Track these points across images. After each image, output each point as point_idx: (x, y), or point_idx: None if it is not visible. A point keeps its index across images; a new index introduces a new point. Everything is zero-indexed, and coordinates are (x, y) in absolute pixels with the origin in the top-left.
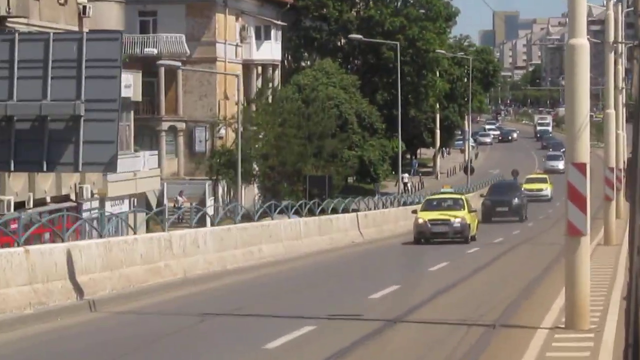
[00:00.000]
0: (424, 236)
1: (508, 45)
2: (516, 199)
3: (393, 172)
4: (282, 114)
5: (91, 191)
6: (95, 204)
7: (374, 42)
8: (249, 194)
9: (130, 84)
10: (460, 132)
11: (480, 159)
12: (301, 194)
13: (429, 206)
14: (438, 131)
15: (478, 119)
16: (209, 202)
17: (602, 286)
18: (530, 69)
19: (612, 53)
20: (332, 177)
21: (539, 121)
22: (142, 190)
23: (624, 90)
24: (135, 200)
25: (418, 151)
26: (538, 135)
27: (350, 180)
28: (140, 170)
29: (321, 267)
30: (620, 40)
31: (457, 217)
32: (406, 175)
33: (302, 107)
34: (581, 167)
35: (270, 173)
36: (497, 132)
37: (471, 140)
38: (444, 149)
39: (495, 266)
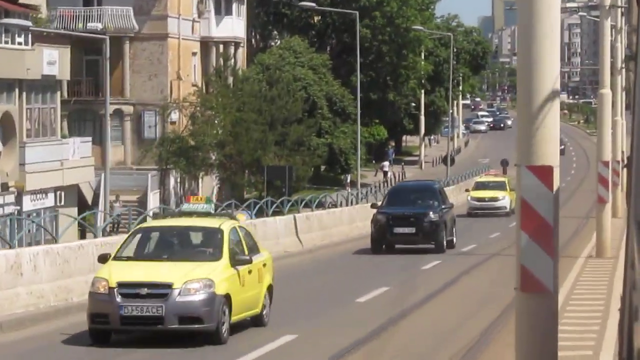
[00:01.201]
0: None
1: (507, 32)
2: (431, 213)
3: (374, 162)
4: (242, 96)
5: (2, 183)
6: (11, 198)
7: (332, 10)
8: (207, 186)
9: (55, 61)
10: (448, 119)
11: (471, 147)
12: (261, 186)
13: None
14: (422, 117)
15: (480, 107)
16: (152, 196)
17: (592, 323)
18: None
19: (608, 20)
20: (298, 167)
21: None
22: (73, 182)
23: (623, 71)
24: (63, 194)
25: (404, 138)
26: None
27: (323, 169)
28: (69, 159)
29: None
30: (619, 4)
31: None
32: (386, 163)
33: (265, 89)
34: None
35: (226, 163)
36: (490, 119)
37: (462, 127)
38: (431, 136)
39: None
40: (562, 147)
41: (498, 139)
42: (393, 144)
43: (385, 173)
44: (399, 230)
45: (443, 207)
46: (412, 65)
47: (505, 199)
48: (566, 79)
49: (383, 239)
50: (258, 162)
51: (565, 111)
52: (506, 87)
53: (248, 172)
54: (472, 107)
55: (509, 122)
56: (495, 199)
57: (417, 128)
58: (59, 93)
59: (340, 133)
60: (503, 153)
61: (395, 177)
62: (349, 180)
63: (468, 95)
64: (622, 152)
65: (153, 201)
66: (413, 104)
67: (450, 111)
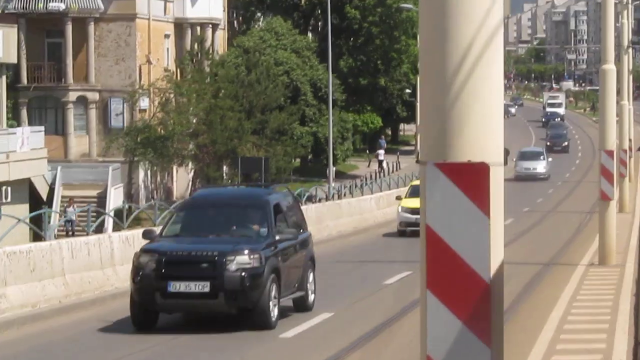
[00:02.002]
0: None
1: (512, 20)
2: (245, 252)
3: (367, 152)
4: (217, 82)
5: None
6: None
7: None
8: (183, 179)
9: None
10: None
11: None
12: (236, 179)
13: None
14: (418, 104)
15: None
16: (114, 192)
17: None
18: (535, 42)
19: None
20: (278, 158)
21: (549, 101)
22: (23, 177)
23: (630, 50)
24: (10, 189)
25: (400, 127)
26: (544, 119)
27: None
28: (17, 151)
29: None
30: None
31: None
32: (382, 151)
33: (243, 74)
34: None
35: (199, 153)
36: None
37: None
38: None
39: None
40: (566, 143)
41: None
42: (389, 132)
43: (380, 162)
44: (178, 287)
45: (276, 239)
46: (404, 48)
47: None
48: (572, 66)
49: (150, 305)
50: (234, 153)
51: (571, 99)
52: (512, 75)
53: (223, 164)
54: None
55: (513, 110)
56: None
57: (413, 116)
58: (4, 78)
59: (325, 121)
60: (506, 141)
61: (389, 168)
62: (332, 174)
63: None
64: (630, 140)
65: (115, 197)
66: (408, 90)
67: None
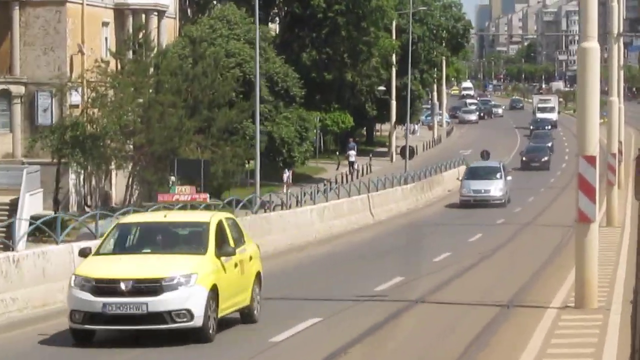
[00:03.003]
0: None
1: (504, 20)
2: None
3: (337, 154)
4: (158, 74)
5: None
6: None
7: None
8: (121, 183)
9: None
10: (428, 105)
11: (454, 136)
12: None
13: None
14: (394, 102)
15: (486, 92)
16: (29, 198)
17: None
18: (526, 43)
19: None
20: (226, 160)
21: (540, 105)
22: None
23: (621, 40)
24: None
25: (378, 127)
26: (532, 127)
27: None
28: None
29: None
30: None
31: None
32: (353, 152)
33: (188, 67)
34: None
35: (134, 155)
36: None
37: (446, 115)
38: (412, 124)
39: None
40: (546, 158)
41: (486, 128)
42: (364, 133)
43: (351, 164)
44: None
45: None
46: (374, 40)
47: None
48: (564, 67)
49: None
50: (175, 154)
51: (561, 99)
52: (502, 76)
53: (158, 166)
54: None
55: (500, 111)
56: None
57: (387, 114)
58: None
59: (282, 119)
60: (489, 144)
61: (359, 171)
62: (289, 177)
63: (463, 83)
64: (620, 142)
65: (31, 204)
66: (382, 88)
67: (429, 97)
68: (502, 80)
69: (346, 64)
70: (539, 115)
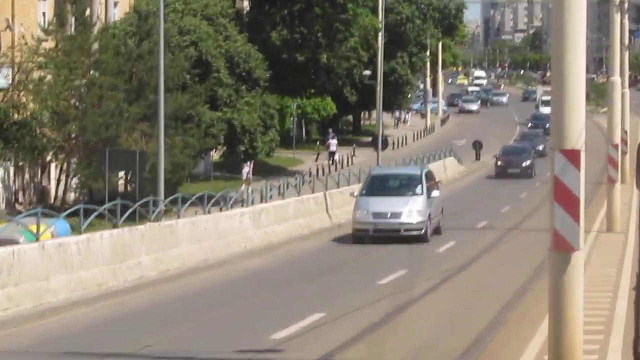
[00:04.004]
0: None
1: (509, 9)
2: None
3: (318, 143)
4: (96, 53)
5: None
6: None
7: None
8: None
9: None
10: (420, 92)
11: (449, 125)
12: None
13: None
14: (380, 88)
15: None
16: None
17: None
18: (531, 31)
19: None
20: (175, 152)
21: (544, 97)
22: None
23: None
24: None
25: (364, 114)
26: (532, 124)
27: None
28: None
29: None
30: None
31: None
32: (334, 141)
33: (132, 44)
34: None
35: (65, 145)
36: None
37: (443, 103)
38: (402, 112)
39: None
40: (528, 162)
41: (484, 117)
42: (351, 120)
43: (332, 155)
44: None
45: None
46: (352, 19)
47: None
48: None
49: None
50: (114, 144)
51: None
52: (507, 65)
53: (91, 157)
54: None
55: (504, 100)
56: None
57: (370, 100)
58: None
59: (243, 104)
60: (485, 133)
61: (338, 163)
62: (249, 171)
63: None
64: (625, 131)
65: None
66: (367, 72)
67: (421, 84)
68: (506, 68)
69: (321, 44)
70: (543, 109)
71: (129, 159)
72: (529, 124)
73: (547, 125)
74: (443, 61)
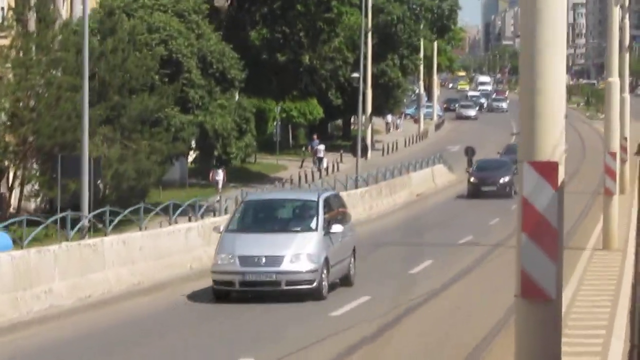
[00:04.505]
0: None
1: (510, 14)
2: None
3: (304, 149)
4: (55, 51)
5: None
6: None
7: None
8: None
9: None
10: (413, 96)
11: (444, 130)
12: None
13: None
14: (369, 91)
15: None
16: None
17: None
18: None
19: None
20: (140, 157)
21: None
22: None
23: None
24: None
25: (354, 119)
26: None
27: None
28: None
29: None
30: None
31: None
32: (321, 147)
33: (96, 42)
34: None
35: (18, 150)
36: (482, 101)
37: (438, 108)
38: (394, 117)
39: None
40: (506, 179)
41: (484, 123)
42: (339, 125)
43: (319, 160)
44: None
45: None
46: (337, 18)
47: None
48: (571, 61)
49: None
50: (73, 149)
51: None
52: (507, 70)
53: (44, 165)
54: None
55: (504, 105)
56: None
57: (353, 104)
58: None
59: (217, 107)
60: (481, 140)
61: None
62: (220, 180)
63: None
64: (625, 138)
65: None
66: (356, 75)
67: (415, 88)
68: (506, 74)
69: (303, 44)
70: None
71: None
72: (513, 137)
73: None
74: (438, 65)
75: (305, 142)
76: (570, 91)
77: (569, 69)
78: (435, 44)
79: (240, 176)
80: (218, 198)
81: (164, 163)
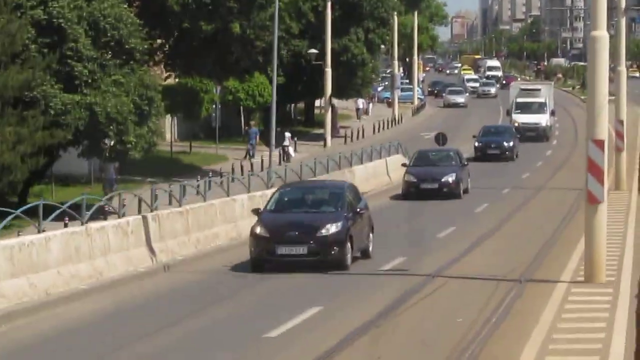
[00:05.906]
0: None
1: None
2: None
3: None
4: None
5: None
6: None
7: None
8: None
9: None
10: (386, 76)
11: (424, 115)
12: None
13: None
14: (328, 70)
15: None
16: None
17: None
18: (529, 20)
19: None
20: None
21: (520, 99)
22: None
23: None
24: None
25: (320, 103)
26: (479, 143)
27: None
28: None
29: None
30: None
31: None
32: (288, 135)
33: None
34: (599, 144)
35: None
36: (476, 85)
37: (419, 91)
38: (364, 101)
39: None
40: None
41: (473, 107)
42: (292, 114)
43: (284, 149)
44: None
45: None
46: None
47: None
48: (568, 44)
49: None
50: None
51: (560, 75)
52: (504, 55)
53: None
54: (504, 81)
55: (492, 90)
56: None
57: (321, 86)
58: None
59: (111, 85)
60: (460, 126)
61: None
62: (112, 173)
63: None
64: (622, 121)
65: None
66: (314, 51)
67: (387, 69)
68: (502, 58)
69: (232, 10)
70: (518, 117)
71: None
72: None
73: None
74: (420, 44)
75: (260, 128)
76: (565, 74)
77: (566, 53)
78: (416, 21)
79: (170, 169)
80: (108, 196)
81: (37, 155)
